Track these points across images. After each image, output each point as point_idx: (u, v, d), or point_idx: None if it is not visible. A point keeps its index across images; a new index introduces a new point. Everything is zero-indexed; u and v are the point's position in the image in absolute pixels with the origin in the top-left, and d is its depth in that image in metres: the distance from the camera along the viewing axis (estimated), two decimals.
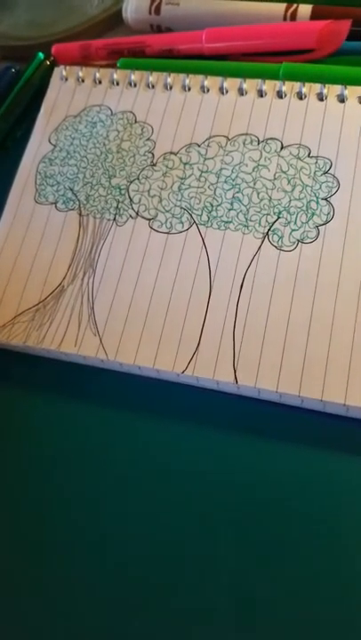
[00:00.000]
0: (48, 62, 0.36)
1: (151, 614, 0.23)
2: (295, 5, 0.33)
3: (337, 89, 0.30)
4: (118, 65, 0.35)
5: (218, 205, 0.29)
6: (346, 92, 0.30)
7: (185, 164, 0.30)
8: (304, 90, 0.30)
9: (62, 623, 0.24)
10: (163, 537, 0.25)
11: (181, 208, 0.29)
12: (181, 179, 0.30)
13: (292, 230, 0.28)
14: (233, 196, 0.29)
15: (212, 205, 0.29)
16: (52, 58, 0.36)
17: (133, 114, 0.32)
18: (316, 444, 0.26)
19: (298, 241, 0.27)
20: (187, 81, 0.32)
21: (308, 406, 0.26)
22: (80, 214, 0.31)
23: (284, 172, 0.29)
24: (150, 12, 0.36)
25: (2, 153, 0.36)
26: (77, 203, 0.31)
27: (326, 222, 0.28)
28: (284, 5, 0.33)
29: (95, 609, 0.24)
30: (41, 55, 0.36)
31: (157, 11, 0.36)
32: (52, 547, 0.25)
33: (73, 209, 0.31)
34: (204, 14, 0.35)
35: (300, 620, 0.23)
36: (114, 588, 0.24)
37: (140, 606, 0.24)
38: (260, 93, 0.31)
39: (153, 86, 0.33)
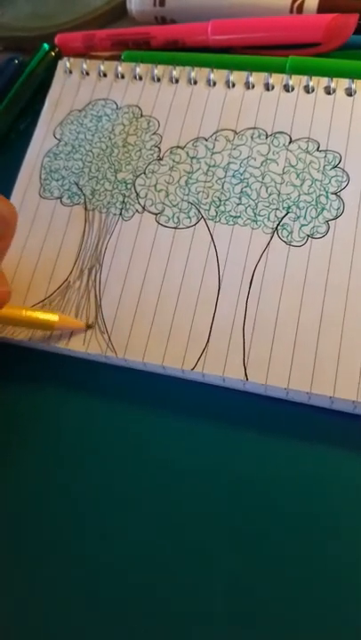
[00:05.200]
0: (53, 53, 0.35)
1: (149, 615, 0.23)
2: None
3: (345, 82, 0.30)
4: (122, 57, 0.34)
5: (226, 200, 0.29)
6: (354, 86, 0.29)
7: (192, 158, 0.30)
8: (312, 83, 0.30)
9: (60, 624, 0.24)
10: (162, 535, 0.25)
11: (189, 202, 0.29)
12: (189, 173, 0.30)
13: (302, 225, 0.27)
14: (241, 191, 0.29)
15: (220, 200, 0.29)
16: (56, 49, 0.36)
17: (139, 108, 0.32)
18: (322, 441, 0.25)
19: (308, 236, 0.27)
20: (192, 74, 0.32)
21: (315, 403, 0.26)
22: (86, 209, 0.30)
23: (293, 167, 0.29)
24: (155, 4, 0.36)
25: (5, 145, 0.35)
26: (83, 197, 0.31)
27: (336, 217, 0.27)
28: None
29: (93, 609, 0.24)
30: (46, 46, 0.35)
31: (162, 2, 0.35)
32: (52, 545, 0.25)
33: (78, 203, 0.31)
34: (209, 6, 0.34)
35: (299, 621, 0.23)
36: (112, 587, 0.24)
37: (139, 607, 0.23)
38: (268, 87, 0.31)
39: (159, 79, 0.32)
